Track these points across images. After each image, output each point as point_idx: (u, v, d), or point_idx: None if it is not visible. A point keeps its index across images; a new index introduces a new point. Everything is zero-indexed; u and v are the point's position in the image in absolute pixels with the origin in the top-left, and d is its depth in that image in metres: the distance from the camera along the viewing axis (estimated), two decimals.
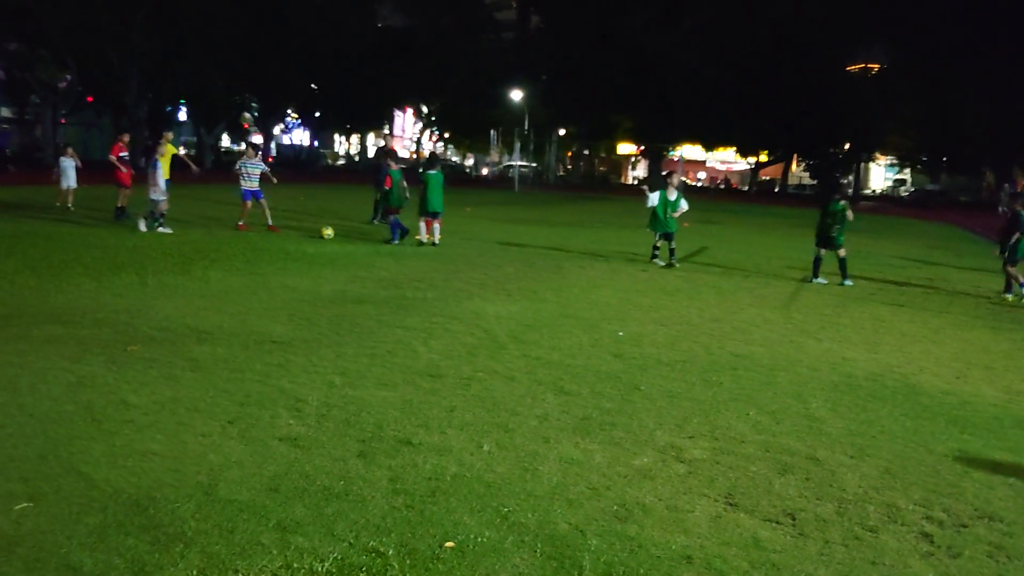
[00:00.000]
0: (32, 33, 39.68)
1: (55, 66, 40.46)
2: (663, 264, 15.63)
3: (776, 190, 70.72)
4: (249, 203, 18.06)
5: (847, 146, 63.91)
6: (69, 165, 20.13)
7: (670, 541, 4.37)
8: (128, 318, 8.76)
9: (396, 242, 16.57)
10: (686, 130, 59.75)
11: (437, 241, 16.75)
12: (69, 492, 4.55)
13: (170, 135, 18.46)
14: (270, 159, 56.97)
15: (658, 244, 16.07)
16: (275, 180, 19.15)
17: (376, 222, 20.97)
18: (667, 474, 5.28)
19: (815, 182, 68.50)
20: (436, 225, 16.84)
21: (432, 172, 16.70)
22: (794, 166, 71.85)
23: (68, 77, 43.21)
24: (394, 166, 17.68)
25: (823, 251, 14.58)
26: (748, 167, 69.84)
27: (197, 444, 5.32)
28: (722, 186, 79.30)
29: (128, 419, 5.69)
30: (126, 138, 20.46)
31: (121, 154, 19.39)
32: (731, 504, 4.88)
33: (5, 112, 65.52)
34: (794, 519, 4.73)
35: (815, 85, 52.99)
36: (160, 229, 16.58)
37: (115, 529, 4.16)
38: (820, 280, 14.43)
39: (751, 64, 52.72)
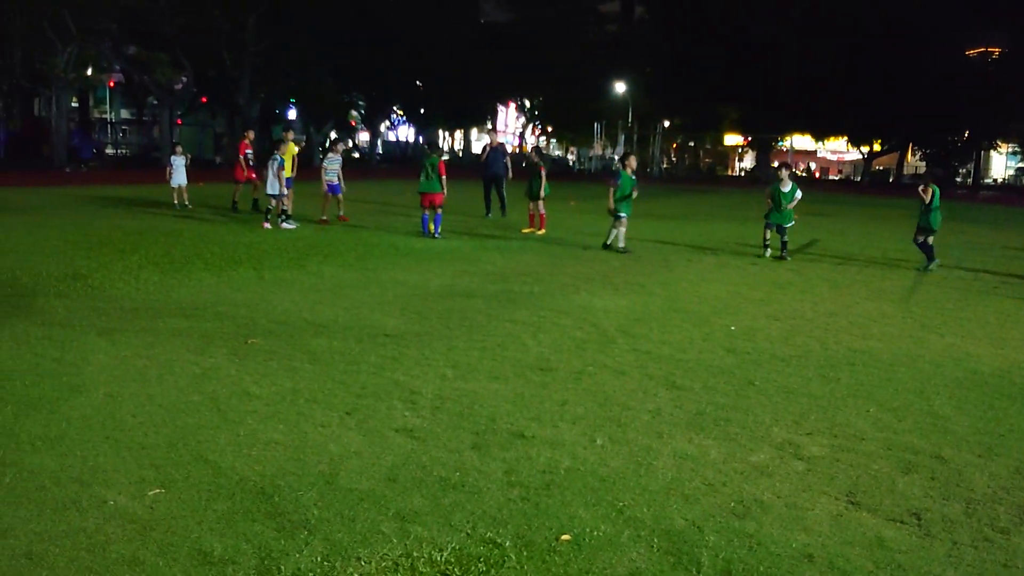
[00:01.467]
0: (150, 36, 41.23)
1: (171, 68, 41.96)
2: (774, 256, 15.33)
3: (891, 180, 68.45)
4: (329, 196, 18.58)
5: (966, 134, 61.38)
6: (179, 163, 20.80)
7: (790, 539, 4.28)
8: (247, 312, 9.04)
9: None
10: (795, 120, 58.31)
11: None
12: (198, 479, 4.73)
13: (291, 134, 19.01)
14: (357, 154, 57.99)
15: (768, 236, 15.75)
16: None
17: (490, 217, 21.38)
18: (785, 471, 5.18)
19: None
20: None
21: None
22: (909, 155, 69.43)
23: (184, 79, 44.76)
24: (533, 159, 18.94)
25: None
26: (861, 157, 67.76)
27: (317, 434, 5.46)
28: (803, 173, 76.96)
29: (251, 409, 5.88)
30: (251, 135, 21.07)
31: (246, 152, 20.04)
32: (853, 503, 4.76)
33: (124, 114, 68.40)
34: (919, 519, 4.58)
35: (932, 70, 51.02)
36: (284, 225, 17.09)
37: (242, 515, 4.30)
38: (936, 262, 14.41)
39: (862, 50, 51.07)
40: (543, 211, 18.34)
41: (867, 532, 4.40)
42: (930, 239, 14.57)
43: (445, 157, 19.14)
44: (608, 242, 15.66)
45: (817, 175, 77.51)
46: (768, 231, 15.64)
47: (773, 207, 15.43)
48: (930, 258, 14.57)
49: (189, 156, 21.83)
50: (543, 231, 18.11)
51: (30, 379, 6.36)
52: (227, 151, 47.37)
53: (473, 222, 20.00)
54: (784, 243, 15.45)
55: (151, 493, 4.52)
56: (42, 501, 4.37)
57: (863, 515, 4.60)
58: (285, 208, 17.42)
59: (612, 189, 15.46)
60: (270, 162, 17.00)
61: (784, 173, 15.79)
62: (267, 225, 16.99)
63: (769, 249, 15.63)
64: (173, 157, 21.14)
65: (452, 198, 19.43)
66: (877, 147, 64.28)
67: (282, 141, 17.84)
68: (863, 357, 8.10)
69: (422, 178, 16.53)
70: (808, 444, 5.64)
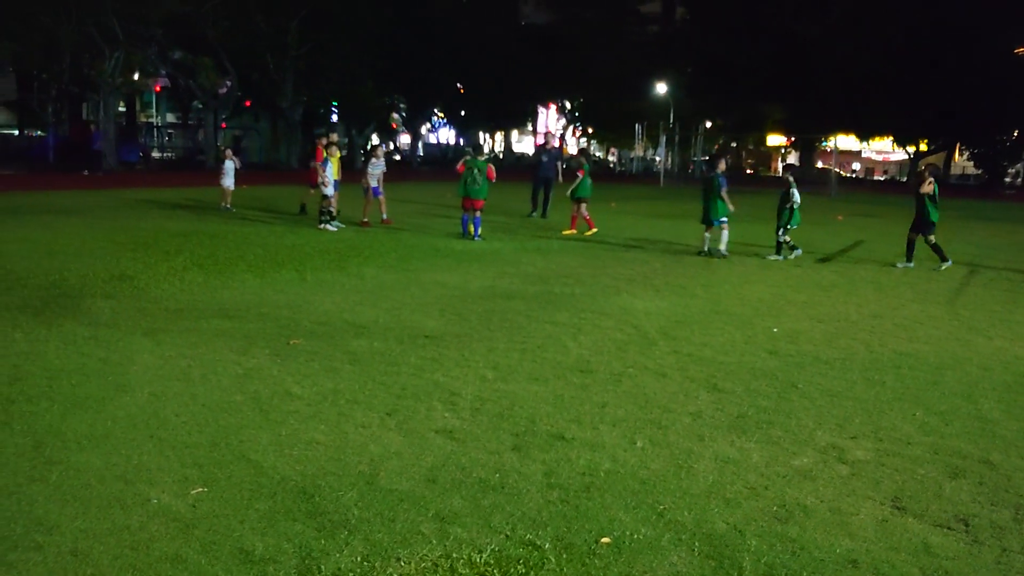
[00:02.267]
0: (195, 41, 41.79)
1: (216, 72, 42.49)
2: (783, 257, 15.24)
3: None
4: (371, 199, 18.69)
5: (1015, 133, 60.23)
6: (229, 167, 21.03)
7: (834, 544, 4.22)
8: (289, 313, 9.12)
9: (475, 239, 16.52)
10: (839, 120, 57.54)
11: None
12: (240, 478, 4.77)
13: (335, 136, 19.15)
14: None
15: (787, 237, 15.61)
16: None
17: (534, 216, 21.55)
18: (829, 475, 5.11)
19: (980, 171, 64.90)
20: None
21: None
22: (957, 155, 68.28)
23: (228, 83, 45.31)
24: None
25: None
26: (907, 157, 66.78)
27: (358, 434, 5.49)
28: (845, 173, 75.84)
29: (292, 409, 5.92)
30: (324, 141, 20.91)
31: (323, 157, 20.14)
32: (898, 508, 4.68)
33: (170, 117, 69.41)
34: (967, 525, 4.49)
35: (980, 69, 50.12)
36: (329, 227, 17.25)
37: (283, 515, 4.33)
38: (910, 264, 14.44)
39: (908, 49, 50.33)
40: (586, 214, 18.25)
41: (913, 538, 4.33)
42: (932, 237, 14.43)
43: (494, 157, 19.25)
44: (707, 248, 15.37)
45: (852, 175, 76.50)
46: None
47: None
48: (944, 256, 14.42)
49: (239, 160, 22.02)
50: (590, 231, 18.03)
51: (77, 379, 6.46)
52: (247, 154, 47.77)
53: (514, 223, 20.00)
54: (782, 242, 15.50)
55: (194, 492, 4.57)
56: (88, 499, 4.43)
57: (909, 520, 4.52)
58: (330, 210, 17.58)
59: (725, 193, 15.17)
60: (319, 166, 17.24)
61: (791, 178, 15.60)
62: (330, 227, 17.24)
63: (797, 249, 15.44)
64: (226, 161, 21.28)
65: (493, 199, 19.46)
66: (924, 147, 63.30)
67: (329, 144, 18.05)
68: (909, 360, 7.97)
69: (468, 181, 16.32)
70: (852, 448, 5.56)
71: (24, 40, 36.24)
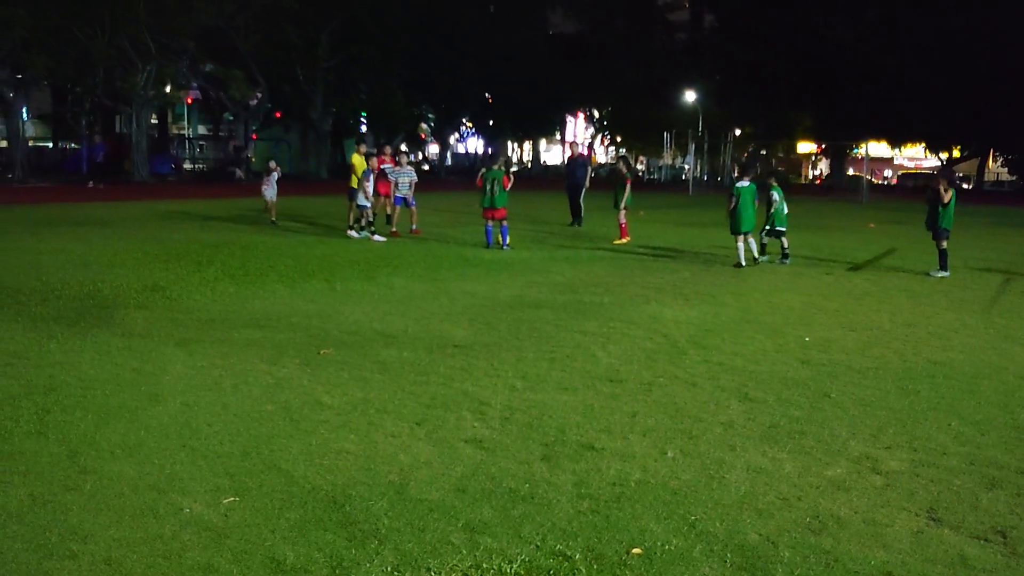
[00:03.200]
0: (226, 53, 42.28)
1: (247, 84, 42.97)
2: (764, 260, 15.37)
3: (970, 187, 66.66)
4: (399, 208, 18.79)
5: None
6: (272, 178, 20.95)
7: (869, 556, 4.16)
8: (319, 322, 9.17)
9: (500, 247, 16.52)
10: (870, 126, 57.09)
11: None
12: (271, 487, 4.79)
13: (363, 147, 19.28)
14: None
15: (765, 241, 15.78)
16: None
17: (574, 225, 21.70)
18: (863, 486, 5.04)
19: (1014, 177, 64.12)
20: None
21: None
22: (991, 162, 67.55)
23: (259, 94, 45.80)
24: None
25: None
26: (939, 163, 66.12)
27: (387, 444, 5.50)
28: (881, 181, 75.19)
29: (323, 419, 5.95)
30: (388, 150, 21.06)
31: (383, 166, 20.24)
32: (934, 519, 4.61)
33: (201, 129, 70.17)
34: (1005, 537, 4.42)
35: (1013, 74, 49.53)
36: (361, 233, 17.39)
37: (314, 524, 4.35)
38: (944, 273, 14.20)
39: (940, 54, 49.84)
40: (623, 220, 18.29)
41: (949, 550, 4.26)
42: (944, 243, 14.29)
43: (514, 168, 19.24)
44: (756, 256, 15.24)
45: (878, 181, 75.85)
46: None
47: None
48: (944, 266, 14.23)
49: (280, 171, 21.93)
50: (625, 240, 18.03)
51: (111, 388, 6.53)
52: (250, 164, 48.12)
53: (542, 233, 19.99)
54: (763, 246, 15.77)
55: (226, 501, 4.59)
56: (121, 508, 4.47)
57: (945, 532, 4.46)
58: (361, 219, 17.70)
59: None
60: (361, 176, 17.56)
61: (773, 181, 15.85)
62: (377, 237, 17.43)
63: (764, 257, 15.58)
64: (268, 174, 21.11)
65: (522, 208, 19.50)
66: (956, 153, 62.70)
67: (373, 154, 18.30)
68: (944, 369, 7.87)
69: (486, 192, 16.35)
70: (887, 458, 5.50)
71: (58, 54, 36.87)
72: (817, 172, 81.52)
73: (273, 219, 20.43)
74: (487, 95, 62.13)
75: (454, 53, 51.97)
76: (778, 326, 9.68)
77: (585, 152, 77.40)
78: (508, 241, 16.49)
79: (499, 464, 5.21)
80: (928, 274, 14.16)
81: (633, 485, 4.95)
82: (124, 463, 5.07)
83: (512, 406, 6.36)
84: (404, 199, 18.76)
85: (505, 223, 16.54)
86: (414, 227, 19.03)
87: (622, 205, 18.17)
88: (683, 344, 8.60)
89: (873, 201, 40.86)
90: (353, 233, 17.95)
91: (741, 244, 14.72)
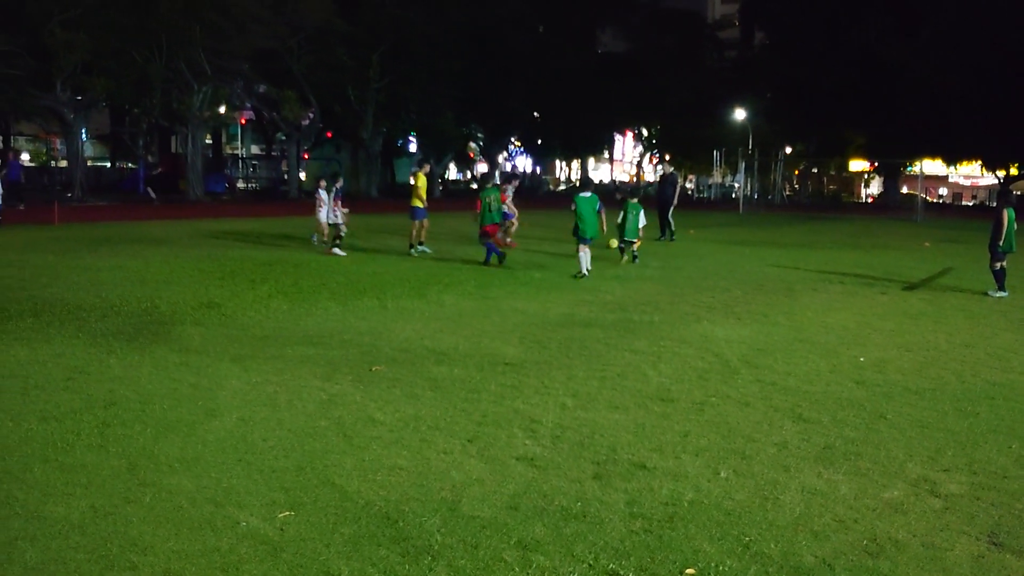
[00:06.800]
0: (279, 75, 42.98)
1: (299, 105, 43.63)
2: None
3: None
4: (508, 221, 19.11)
5: None
6: (324, 198, 20.69)
7: None
8: (371, 339, 9.25)
9: (489, 262, 16.58)
10: (925, 144, 56.22)
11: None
12: (325, 502, 4.84)
13: (428, 167, 19.63)
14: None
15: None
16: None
17: (663, 240, 22.94)
18: (921, 509, 4.96)
19: None
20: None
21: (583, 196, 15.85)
22: None
23: (310, 114, 46.42)
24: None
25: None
26: (996, 182, 64.88)
27: (440, 461, 5.53)
28: (936, 199, 73.76)
29: (375, 435, 6.00)
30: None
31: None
32: (995, 543, 4.52)
33: (254, 149, 71.27)
34: None
35: None
36: (335, 251, 18.01)
37: (368, 540, 4.38)
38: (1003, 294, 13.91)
39: (997, 69, 48.97)
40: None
41: (1011, 575, 4.17)
42: (998, 264, 14.04)
43: (514, 185, 19.38)
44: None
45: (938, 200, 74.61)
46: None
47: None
48: (1001, 286, 13.96)
49: (326, 187, 21.80)
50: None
51: (168, 403, 6.65)
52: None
53: (593, 251, 19.92)
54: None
55: (281, 515, 4.65)
56: (179, 521, 4.55)
57: (1007, 557, 4.37)
58: (339, 235, 18.38)
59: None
60: (325, 192, 18.56)
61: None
62: (336, 251, 17.97)
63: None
64: (319, 191, 20.73)
65: (568, 225, 19.48)
66: (1014, 171, 61.44)
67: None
68: (1003, 391, 7.71)
69: (484, 210, 16.46)
70: (945, 481, 5.40)
71: (117, 76, 37.75)
72: (870, 190, 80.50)
73: (324, 240, 20.04)
74: (536, 114, 62.33)
75: (503, 72, 52.27)
76: (832, 346, 9.56)
77: (634, 170, 77.35)
78: (491, 259, 16.65)
79: (551, 482, 5.21)
80: (986, 294, 13.90)
81: (686, 505, 4.92)
82: (182, 476, 5.16)
83: (563, 424, 6.36)
84: (505, 215, 18.91)
85: (490, 241, 16.74)
86: (509, 239, 19.10)
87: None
88: (735, 363, 8.53)
89: (928, 220, 40.20)
90: (414, 251, 18.13)
91: (583, 254, 15.19)
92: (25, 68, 34.38)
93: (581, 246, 15.17)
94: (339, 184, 20.56)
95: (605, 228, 15.96)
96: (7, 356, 8.10)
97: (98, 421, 6.17)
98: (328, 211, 18.47)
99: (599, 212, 15.47)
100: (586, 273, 15.03)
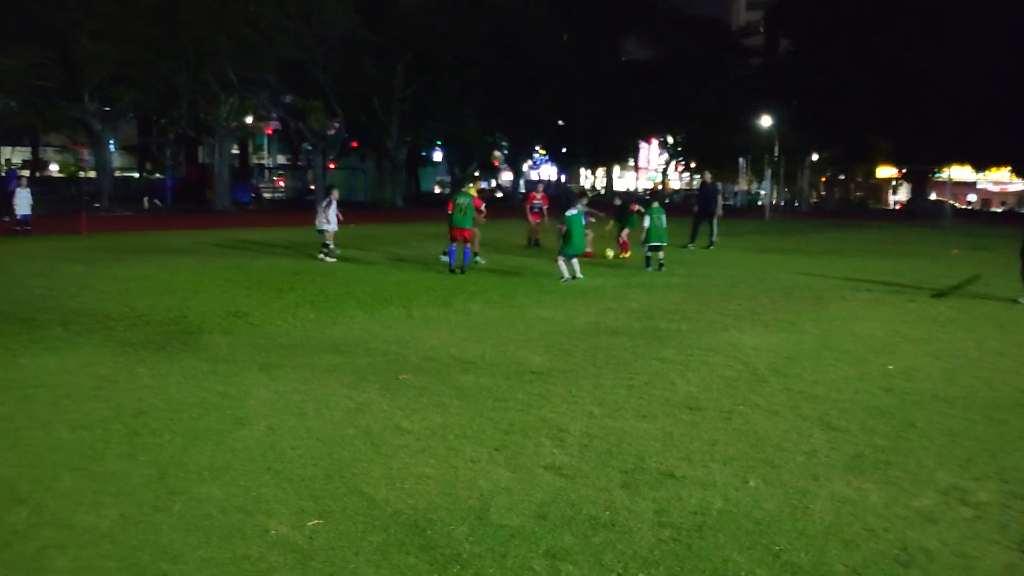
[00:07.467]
0: (305, 85, 43.28)
1: (325, 115, 43.89)
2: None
3: None
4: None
5: None
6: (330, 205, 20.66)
7: None
8: (398, 348, 9.27)
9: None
10: (953, 150, 55.73)
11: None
12: (353, 511, 4.85)
13: (481, 182, 20.21)
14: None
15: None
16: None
17: (690, 247, 23.20)
18: (952, 518, 4.91)
19: None
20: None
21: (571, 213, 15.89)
22: None
23: (336, 124, 46.68)
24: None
25: None
26: None
27: (467, 469, 5.53)
28: (959, 205, 72.99)
29: (403, 444, 6.01)
30: (540, 187, 23.90)
31: (534, 201, 22.80)
32: None
33: (280, 159, 71.77)
34: None
35: None
36: (326, 258, 18.45)
37: (396, 548, 4.39)
38: None
39: None
40: (624, 239, 20.17)
41: None
42: None
43: (483, 187, 20.05)
44: None
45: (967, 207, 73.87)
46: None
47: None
48: None
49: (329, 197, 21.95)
50: (626, 255, 19.95)
51: (197, 412, 6.69)
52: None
53: (617, 261, 19.92)
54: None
55: (310, 524, 4.67)
56: (209, 529, 4.57)
57: None
58: (327, 243, 18.65)
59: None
60: (323, 203, 18.97)
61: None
62: (323, 257, 18.45)
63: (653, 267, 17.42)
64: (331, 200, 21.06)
65: (598, 233, 19.47)
66: None
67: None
68: None
69: (456, 213, 16.53)
70: (976, 489, 5.34)
71: (145, 87, 38.15)
72: (897, 197, 79.90)
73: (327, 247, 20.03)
74: (560, 122, 62.38)
75: (528, 81, 52.38)
76: (860, 354, 9.49)
77: (660, 178, 77.17)
78: (468, 263, 16.76)
79: (579, 491, 5.20)
80: (1016, 301, 13.74)
81: (715, 514, 4.90)
82: (212, 485, 5.19)
83: (591, 433, 6.34)
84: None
85: (468, 246, 16.83)
86: (589, 249, 19.19)
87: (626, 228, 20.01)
88: (763, 372, 8.48)
89: (957, 227, 39.82)
90: (479, 259, 18.25)
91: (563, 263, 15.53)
92: (53, 79, 34.80)
93: (561, 257, 15.63)
94: (334, 194, 20.68)
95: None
96: (37, 365, 8.19)
97: (127, 430, 6.22)
98: (320, 218, 18.81)
99: (585, 226, 16.08)
100: (581, 276, 15.47)
